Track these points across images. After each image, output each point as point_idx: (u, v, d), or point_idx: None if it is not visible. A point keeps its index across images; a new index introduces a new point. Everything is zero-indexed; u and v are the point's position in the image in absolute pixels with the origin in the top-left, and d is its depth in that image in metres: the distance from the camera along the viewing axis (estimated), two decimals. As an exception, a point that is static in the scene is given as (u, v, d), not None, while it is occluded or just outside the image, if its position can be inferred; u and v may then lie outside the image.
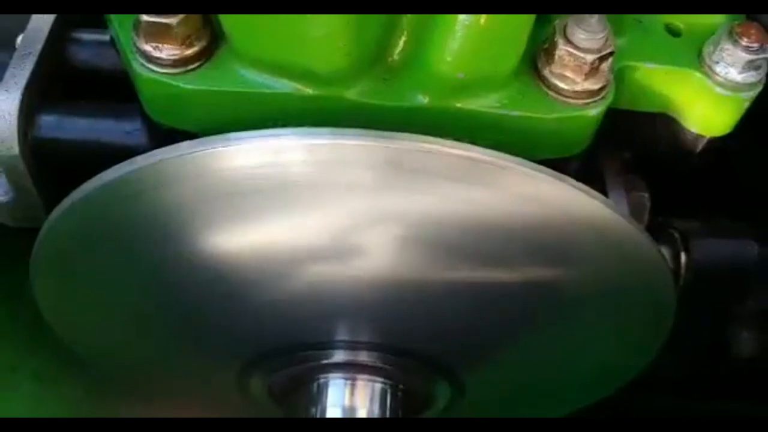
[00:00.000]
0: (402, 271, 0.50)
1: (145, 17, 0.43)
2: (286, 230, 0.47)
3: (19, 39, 0.52)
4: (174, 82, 0.45)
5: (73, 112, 0.52)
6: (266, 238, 0.48)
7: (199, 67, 0.45)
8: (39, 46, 0.51)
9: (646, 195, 0.57)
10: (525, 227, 0.47)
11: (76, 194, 0.47)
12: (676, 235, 0.57)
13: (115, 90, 0.51)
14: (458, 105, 0.47)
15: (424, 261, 0.49)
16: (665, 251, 0.56)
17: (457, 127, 0.48)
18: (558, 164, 0.48)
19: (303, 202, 0.46)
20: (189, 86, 0.45)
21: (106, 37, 0.52)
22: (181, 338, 0.59)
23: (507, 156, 0.43)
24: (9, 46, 0.52)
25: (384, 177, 0.44)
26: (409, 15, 0.45)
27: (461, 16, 0.43)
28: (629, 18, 0.51)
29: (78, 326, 0.60)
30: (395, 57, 0.47)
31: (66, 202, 0.48)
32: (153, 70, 0.45)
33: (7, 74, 0.51)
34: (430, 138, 0.42)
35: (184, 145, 0.43)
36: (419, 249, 0.48)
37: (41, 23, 0.53)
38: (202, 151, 0.42)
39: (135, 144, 0.50)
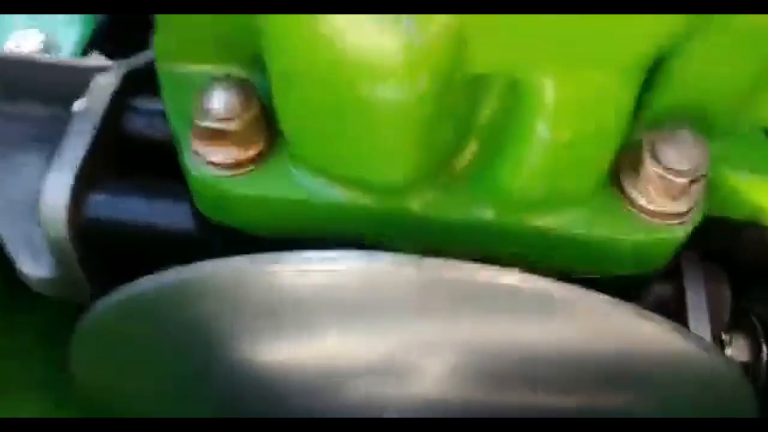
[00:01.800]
0: (456, 393, 0.46)
1: (200, 122, 0.40)
2: (338, 347, 0.44)
3: (77, 106, 0.50)
4: (225, 186, 0.42)
5: (124, 191, 0.49)
6: (316, 353, 0.44)
7: (252, 170, 0.42)
8: (97, 120, 0.49)
9: (727, 287, 0.52)
10: (597, 359, 0.43)
11: (130, 288, 0.45)
12: (756, 323, 0.52)
13: (169, 160, 0.48)
14: (529, 222, 0.43)
15: (480, 386, 0.46)
16: (742, 341, 0.51)
17: (526, 244, 0.44)
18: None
19: (354, 321, 0.42)
20: (241, 191, 0.42)
21: (161, 106, 0.50)
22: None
23: (587, 293, 0.39)
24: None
25: (442, 305, 0.41)
26: (481, 122, 0.41)
27: (540, 130, 0.39)
28: (722, 122, 0.46)
29: (113, 398, 0.58)
30: (461, 166, 0.43)
31: (117, 296, 0.46)
32: (204, 171, 0.42)
33: (62, 151, 0.49)
34: (503, 272, 0.38)
35: (241, 261, 0.40)
36: (476, 375, 0.45)
37: (103, 88, 0.51)
38: (259, 269, 0.39)
39: (185, 230, 0.48)
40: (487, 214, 0.43)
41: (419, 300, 0.40)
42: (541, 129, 0.39)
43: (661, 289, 0.51)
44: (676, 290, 0.51)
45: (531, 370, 0.44)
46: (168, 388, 0.53)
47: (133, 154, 0.52)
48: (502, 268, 0.38)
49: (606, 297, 0.39)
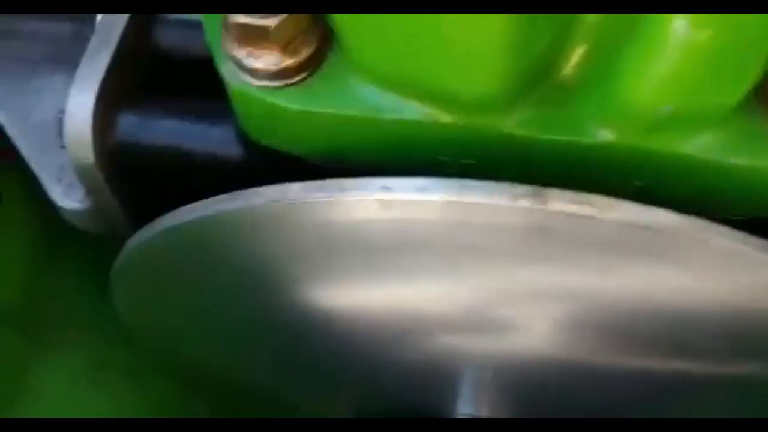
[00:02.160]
0: (552, 350, 0.38)
1: (234, 18, 0.32)
2: (415, 295, 0.36)
3: (98, 19, 0.43)
4: (271, 99, 0.34)
5: (158, 112, 0.42)
6: (388, 299, 0.37)
7: (303, 80, 0.34)
8: (119, 31, 0.41)
9: None
10: (738, 317, 0.34)
11: (168, 220, 0.38)
12: None
13: (208, 77, 0.41)
14: (654, 146, 0.34)
15: (584, 344, 0.37)
16: None
17: (646, 172, 0.35)
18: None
19: (435, 265, 0.34)
20: (290, 105, 0.34)
21: (198, 17, 0.42)
22: (275, 368, 0.51)
23: (749, 238, 0.30)
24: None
25: (544, 246, 0.32)
26: (591, 17, 0.32)
27: (677, 27, 0.29)
28: None
29: (162, 337, 0.53)
30: (567, 73, 0.34)
31: (154, 228, 0.39)
32: (246, 82, 0.34)
33: (81, 67, 0.41)
34: (652, 210, 0.30)
35: (295, 189, 0.32)
36: (581, 331, 0.36)
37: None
38: (316, 200, 0.32)
39: (227, 156, 0.41)
40: (602, 135, 0.34)
41: (535, 241, 0.31)
42: (678, 25, 0.29)
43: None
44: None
45: (652, 328, 0.35)
46: (219, 332, 0.47)
47: (170, 71, 0.45)
48: (650, 206, 0.29)
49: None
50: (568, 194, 0.30)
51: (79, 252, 0.61)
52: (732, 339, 0.37)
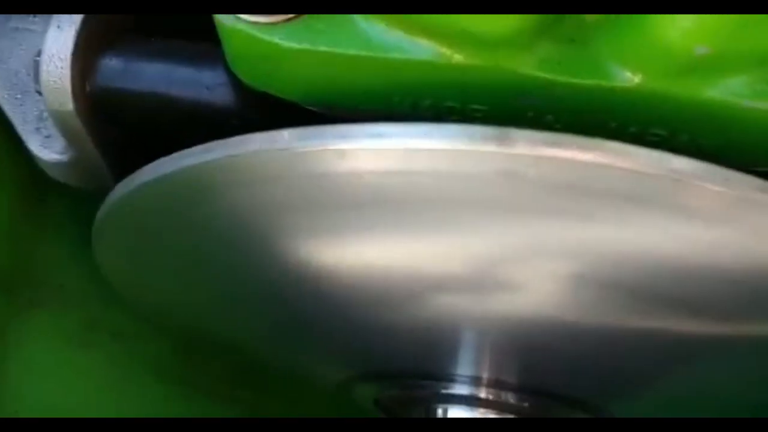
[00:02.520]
0: (563, 311, 0.36)
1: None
2: (416, 253, 0.34)
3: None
4: (267, 37, 0.31)
5: (142, 55, 0.39)
6: (388, 257, 0.34)
7: (303, 17, 0.31)
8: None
9: None
10: (757, 272, 0.32)
11: (150, 171, 0.35)
12: None
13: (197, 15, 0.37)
14: (682, 90, 0.31)
15: (597, 304, 0.35)
16: None
17: (670, 120, 0.33)
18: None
19: (440, 221, 0.32)
20: (288, 43, 0.31)
21: None
22: (267, 330, 0.48)
23: None
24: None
25: (556, 198, 0.30)
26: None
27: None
28: None
29: (149, 296, 0.50)
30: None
31: (137, 179, 0.36)
32: (238, 18, 0.31)
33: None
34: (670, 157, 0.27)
35: (288, 137, 0.29)
36: (593, 290, 0.34)
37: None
38: (307, 149, 0.29)
39: (218, 102, 0.38)
40: (626, 78, 0.31)
41: (540, 195, 0.29)
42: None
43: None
44: None
45: (672, 287, 0.33)
46: (207, 292, 0.45)
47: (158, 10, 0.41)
48: (667, 153, 0.27)
49: None
50: (575, 138, 0.27)
51: (71, 208, 0.58)
52: (750, 297, 0.35)
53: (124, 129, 0.41)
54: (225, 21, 0.32)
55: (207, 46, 0.38)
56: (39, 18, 0.45)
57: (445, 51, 0.31)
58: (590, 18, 0.31)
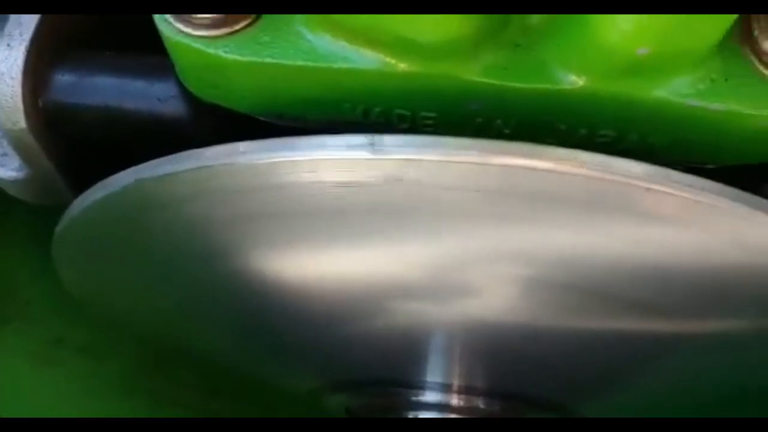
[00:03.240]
0: (522, 314, 0.36)
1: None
2: (371, 262, 0.34)
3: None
4: (212, 50, 0.31)
5: (94, 69, 0.39)
6: (344, 267, 0.34)
7: (247, 27, 0.31)
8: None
9: None
10: (722, 275, 0.32)
11: (106, 186, 0.35)
12: None
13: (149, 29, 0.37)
14: (627, 91, 0.31)
15: (554, 306, 0.35)
16: None
17: (617, 120, 0.33)
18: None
19: (391, 230, 0.32)
20: (233, 56, 0.31)
21: None
22: (238, 338, 0.48)
23: (737, 193, 0.28)
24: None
25: (509, 205, 0.30)
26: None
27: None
28: None
29: (112, 310, 0.50)
30: (534, 18, 0.31)
31: (93, 194, 0.36)
32: (183, 32, 0.31)
33: (11, 21, 0.38)
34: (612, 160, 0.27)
35: (243, 148, 0.29)
36: (549, 292, 0.34)
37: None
38: (262, 160, 0.29)
39: (170, 114, 0.38)
40: (571, 81, 0.31)
41: (487, 202, 0.29)
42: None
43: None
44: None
45: (632, 289, 0.33)
46: (169, 304, 0.45)
47: (108, 24, 0.41)
48: (613, 156, 0.27)
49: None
50: (517, 145, 0.27)
51: (36, 224, 0.57)
52: (704, 296, 0.35)
53: (78, 143, 0.41)
54: (170, 35, 0.32)
55: (158, 59, 0.38)
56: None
57: (390, 60, 0.31)
58: (534, 22, 0.31)
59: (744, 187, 0.30)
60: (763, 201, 0.29)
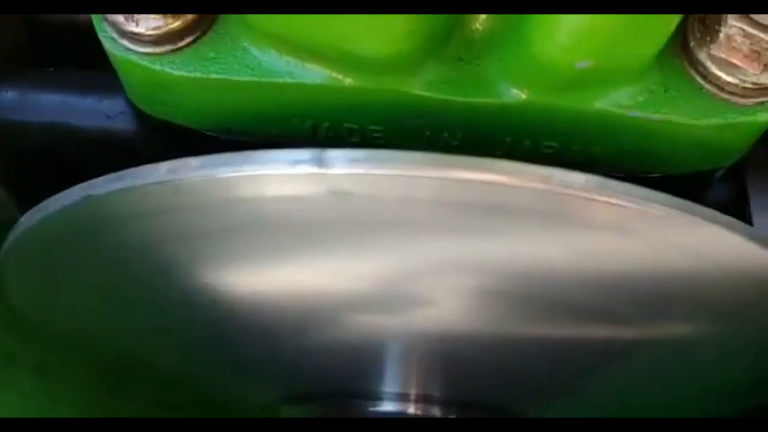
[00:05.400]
0: (473, 322, 0.37)
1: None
2: (322, 275, 0.34)
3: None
4: (158, 67, 0.31)
5: (40, 86, 0.38)
6: (294, 281, 0.35)
7: (192, 43, 0.31)
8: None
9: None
10: (671, 283, 0.33)
11: (53, 203, 0.35)
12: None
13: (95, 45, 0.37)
14: (569, 103, 0.32)
15: (504, 314, 0.36)
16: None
17: (561, 132, 0.34)
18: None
19: (339, 243, 0.32)
20: (178, 72, 0.31)
21: None
22: (192, 353, 0.48)
23: (676, 201, 0.29)
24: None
25: (456, 217, 0.30)
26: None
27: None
28: None
29: (61, 324, 0.49)
30: (475, 30, 0.32)
31: (42, 210, 0.36)
32: (129, 49, 0.31)
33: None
34: (541, 170, 0.28)
35: (193, 164, 0.29)
36: (498, 301, 0.35)
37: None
38: (211, 175, 0.29)
39: (117, 131, 0.37)
40: (513, 95, 0.32)
41: (433, 214, 0.29)
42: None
43: (719, 195, 0.40)
44: (737, 196, 0.41)
45: (581, 296, 0.34)
46: (126, 320, 0.44)
47: (54, 40, 0.41)
48: (539, 166, 0.27)
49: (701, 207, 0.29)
50: (457, 158, 0.28)
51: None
52: (649, 303, 0.36)
53: (25, 161, 0.40)
54: (116, 52, 0.32)
55: (105, 75, 0.37)
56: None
57: (336, 75, 0.31)
58: (477, 37, 0.32)
59: (687, 195, 0.31)
60: (705, 209, 0.29)
